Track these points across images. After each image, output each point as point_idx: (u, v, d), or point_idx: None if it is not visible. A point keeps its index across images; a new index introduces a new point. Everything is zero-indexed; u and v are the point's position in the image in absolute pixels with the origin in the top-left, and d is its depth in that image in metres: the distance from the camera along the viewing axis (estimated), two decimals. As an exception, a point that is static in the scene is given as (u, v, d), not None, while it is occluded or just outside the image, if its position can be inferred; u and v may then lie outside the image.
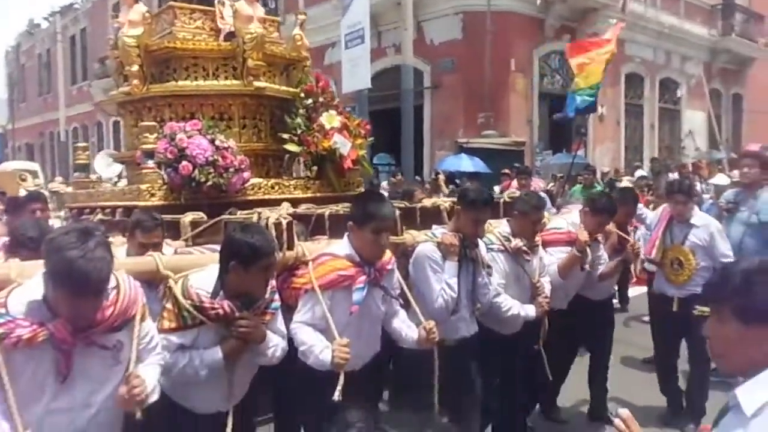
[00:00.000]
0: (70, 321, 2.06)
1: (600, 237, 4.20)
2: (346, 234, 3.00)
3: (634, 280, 4.56)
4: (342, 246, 2.99)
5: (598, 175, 11.95)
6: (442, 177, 10.68)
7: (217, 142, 4.48)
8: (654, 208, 5.79)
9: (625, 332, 6.56)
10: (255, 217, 3.24)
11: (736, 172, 10.71)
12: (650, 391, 4.94)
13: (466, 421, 3.51)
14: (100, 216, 4.75)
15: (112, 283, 2.17)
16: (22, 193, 7.72)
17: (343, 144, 5.02)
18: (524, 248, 3.70)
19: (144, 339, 2.34)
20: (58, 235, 2.04)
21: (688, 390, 4.73)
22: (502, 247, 3.69)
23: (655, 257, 4.73)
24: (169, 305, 2.58)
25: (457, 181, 13.02)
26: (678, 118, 22.14)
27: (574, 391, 4.84)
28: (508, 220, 3.87)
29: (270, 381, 3.46)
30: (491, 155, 14.43)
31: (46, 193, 7.30)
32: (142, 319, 2.32)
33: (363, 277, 2.89)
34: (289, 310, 2.97)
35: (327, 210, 4.02)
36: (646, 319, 6.63)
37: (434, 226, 3.60)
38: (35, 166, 17.06)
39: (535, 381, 4.19)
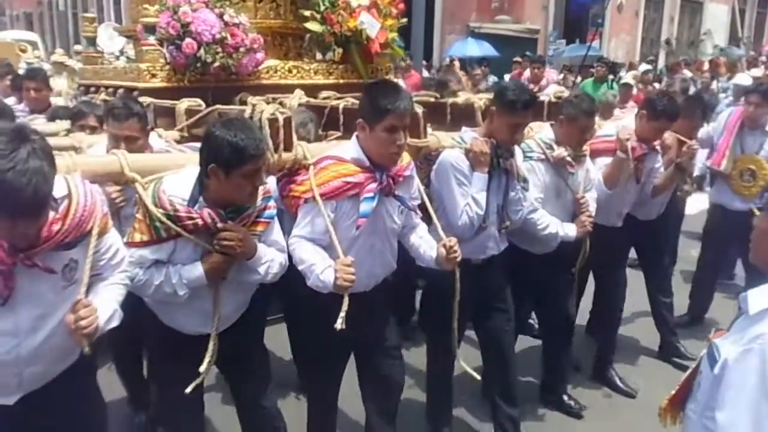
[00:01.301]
0: (4, 239, 1.69)
1: (657, 147, 3.60)
2: (355, 134, 2.52)
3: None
4: (349, 148, 2.51)
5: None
6: (457, 63, 9.95)
7: (226, 17, 4.04)
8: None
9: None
10: (248, 111, 2.74)
11: (754, 71, 10.30)
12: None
13: (498, 343, 3.18)
14: (103, 96, 4.35)
15: (62, 191, 1.80)
16: (22, 65, 7.38)
17: (370, 24, 4.47)
18: (568, 158, 3.17)
19: (105, 255, 2.00)
20: None
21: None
22: (542, 156, 3.17)
23: (725, 169, 4.21)
24: (139, 215, 2.22)
25: (468, 68, 12.49)
26: (700, 12, 21.11)
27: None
28: (552, 125, 3.30)
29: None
30: (503, 42, 13.84)
31: (47, 66, 6.89)
32: (103, 232, 1.95)
33: (373, 185, 2.44)
34: (294, 220, 2.56)
35: (342, 102, 3.49)
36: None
37: (464, 129, 3.03)
38: (35, 36, 16.34)
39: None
